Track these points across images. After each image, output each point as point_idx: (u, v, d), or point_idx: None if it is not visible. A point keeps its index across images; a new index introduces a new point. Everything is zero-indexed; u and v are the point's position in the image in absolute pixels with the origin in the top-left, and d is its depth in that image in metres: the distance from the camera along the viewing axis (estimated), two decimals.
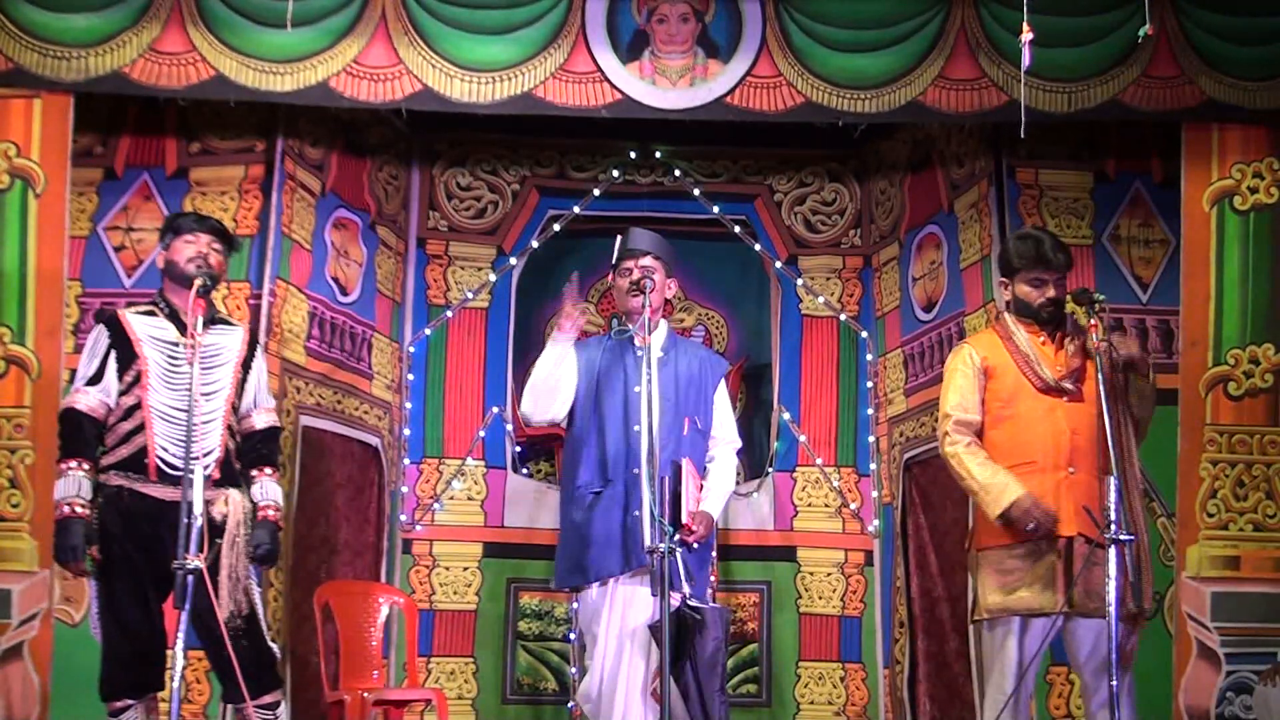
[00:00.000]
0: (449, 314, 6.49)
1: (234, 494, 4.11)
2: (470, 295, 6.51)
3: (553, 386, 4.40)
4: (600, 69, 5.10)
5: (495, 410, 6.46)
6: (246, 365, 4.27)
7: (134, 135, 5.51)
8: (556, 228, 6.55)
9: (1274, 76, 5.04)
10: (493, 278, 6.53)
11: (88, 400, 4.06)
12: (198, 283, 4.01)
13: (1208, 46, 5.04)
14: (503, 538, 6.36)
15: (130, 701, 4.00)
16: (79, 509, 3.97)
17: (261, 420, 4.30)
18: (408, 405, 6.37)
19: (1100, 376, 3.87)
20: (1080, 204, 5.54)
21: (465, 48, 5.04)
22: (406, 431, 6.35)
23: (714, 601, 6.09)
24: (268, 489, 4.23)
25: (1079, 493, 3.99)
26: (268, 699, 4.09)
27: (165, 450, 4.03)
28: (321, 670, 5.29)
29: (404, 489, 6.30)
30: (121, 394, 4.09)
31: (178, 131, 5.51)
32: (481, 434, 6.42)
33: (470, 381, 6.50)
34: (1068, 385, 4.09)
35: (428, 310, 6.50)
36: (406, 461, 6.33)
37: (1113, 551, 3.63)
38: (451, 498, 6.38)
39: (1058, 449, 4.06)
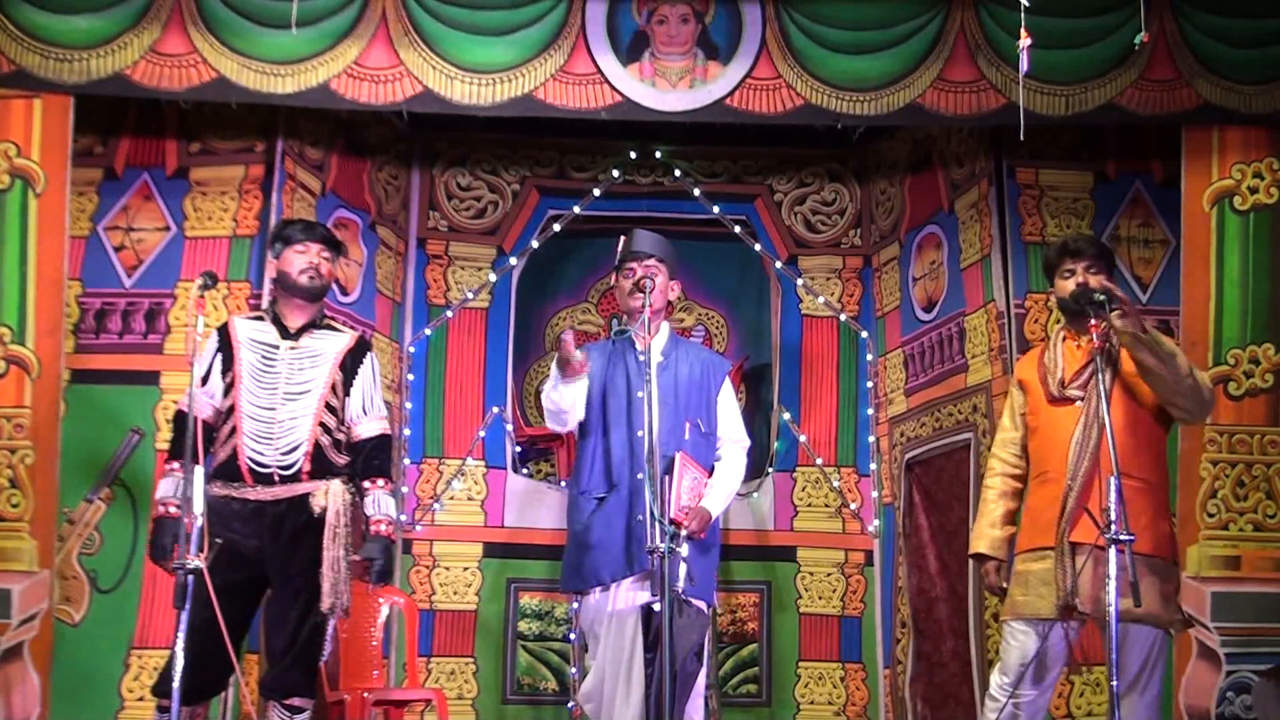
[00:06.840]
0: (449, 314, 6.49)
1: (335, 485, 4.15)
2: (470, 295, 6.52)
3: (565, 419, 4.44)
4: (600, 70, 5.10)
5: (495, 410, 6.46)
6: (350, 369, 4.28)
7: (134, 135, 5.52)
8: (556, 228, 6.54)
9: (1270, 80, 5.04)
10: (493, 278, 6.53)
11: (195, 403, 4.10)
12: (198, 281, 4.02)
13: (1205, 49, 5.05)
14: (503, 538, 6.36)
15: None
16: (172, 509, 4.03)
17: (370, 429, 4.31)
18: (408, 405, 6.37)
19: (1100, 377, 3.87)
20: (1080, 204, 5.54)
21: (466, 49, 5.05)
22: (406, 431, 6.34)
23: (715, 605, 6.16)
24: (381, 502, 4.25)
25: (1086, 499, 3.90)
26: (298, 701, 4.09)
27: (252, 449, 4.09)
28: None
29: (404, 489, 6.29)
30: (223, 395, 4.16)
31: (178, 131, 5.51)
32: (481, 434, 6.42)
33: (470, 381, 6.50)
34: (1072, 392, 4.03)
35: (428, 310, 6.49)
36: (406, 461, 6.33)
37: (1113, 551, 3.62)
38: (451, 498, 6.38)
39: (1065, 458, 3.99)
